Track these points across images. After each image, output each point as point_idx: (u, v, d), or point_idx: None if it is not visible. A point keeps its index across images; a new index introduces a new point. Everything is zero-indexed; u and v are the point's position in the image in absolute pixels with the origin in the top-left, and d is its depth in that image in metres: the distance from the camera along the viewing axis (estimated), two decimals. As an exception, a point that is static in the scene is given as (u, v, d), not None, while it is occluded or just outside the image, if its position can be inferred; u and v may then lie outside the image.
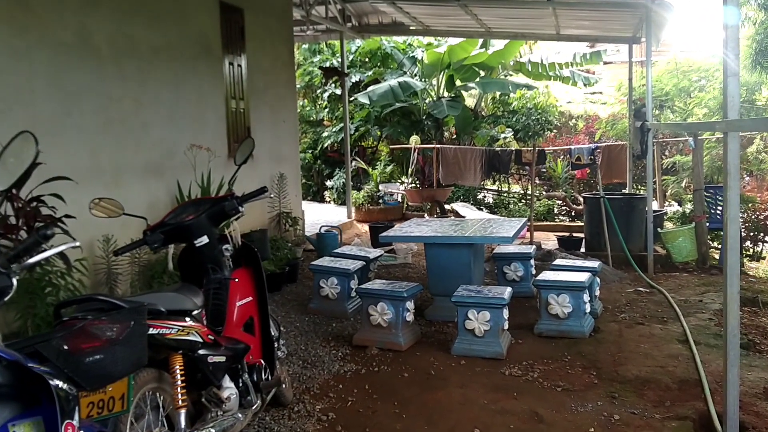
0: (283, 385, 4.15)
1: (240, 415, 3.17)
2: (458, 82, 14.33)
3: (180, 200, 6.08)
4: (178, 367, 2.85)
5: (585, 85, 14.58)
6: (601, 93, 18.98)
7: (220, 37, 7.22)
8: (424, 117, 14.46)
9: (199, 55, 6.85)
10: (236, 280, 3.64)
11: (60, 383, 1.81)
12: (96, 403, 2.48)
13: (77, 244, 1.86)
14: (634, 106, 9.40)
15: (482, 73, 14.31)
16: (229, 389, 3.25)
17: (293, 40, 9.48)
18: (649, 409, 4.05)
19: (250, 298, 3.72)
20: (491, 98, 15.45)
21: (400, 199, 13.19)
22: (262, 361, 3.58)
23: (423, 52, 14.47)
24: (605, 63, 20.42)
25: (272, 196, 3.83)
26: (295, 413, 4.07)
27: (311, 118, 16.19)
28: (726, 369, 3.55)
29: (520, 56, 14.93)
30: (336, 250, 6.79)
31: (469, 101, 15.45)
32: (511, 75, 15.06)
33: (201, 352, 3.01)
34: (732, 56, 3.12)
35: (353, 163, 14.59)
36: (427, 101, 14.44)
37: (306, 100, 16.42)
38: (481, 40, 13.73)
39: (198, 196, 3.66)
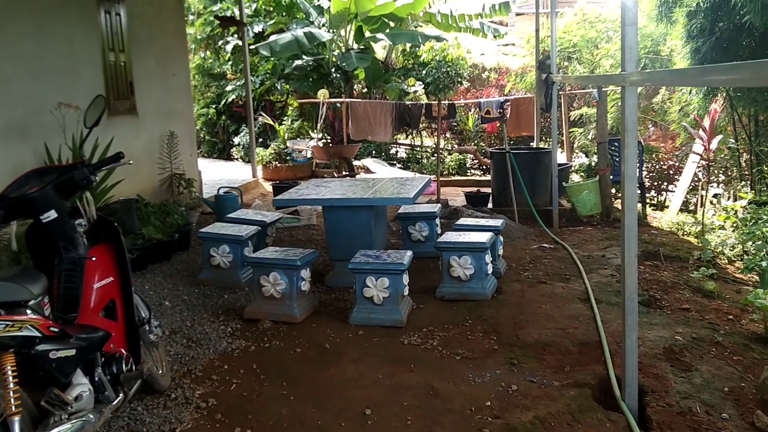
0: (160, 371, 3.78)
1: (92, 416, 2.78)
2: (367, 34, 13.84)
3: (50, 164, 5.49)
4: (9, 368, 2.44)
5: (495, 36, 14.37)
6: (513, 45, 18.87)
7: (92, -19, 6.53)
8: (332, 69, 13.95)
9: (68, 2, 6.15)
10: (93, 258, 3.20)
11: None
12: None
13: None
14: (540, 58, 9.24)
15: (392, 24, 13.87)
16: (80, 386, 2.85)
17: (182, -14, 8.79)
18: (548, 375, 3.90)
19: (111, 279, 3.31)
20: (401, 50, 15.05)
21: (309, 156, 12.75)
22: (123, 351, 3.19)
23: (329, 0, 13.88)
24: (518, 14, 20.38)
25: (130, 162, 3.38)
26: (172, 401, 3.70)
27: (214, 71, 15.38)
28: (624, 335, 3.43)
29: (430, 6, 14.53)
30: (231, 215, 6.36)
31: (380, 54, 15.01)
32: (420, 26, 14.69)
33: (40, 347, 2.59)
34: (630, 3, 2.87)
35: (259, 118, 13.99)
36: (335, 53, 13.91)
37: (208, 52, 15.57)
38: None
39: (69, 161, 3.21)
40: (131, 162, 3.51)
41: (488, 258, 5.17)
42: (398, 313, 4.67)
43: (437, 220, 6.48)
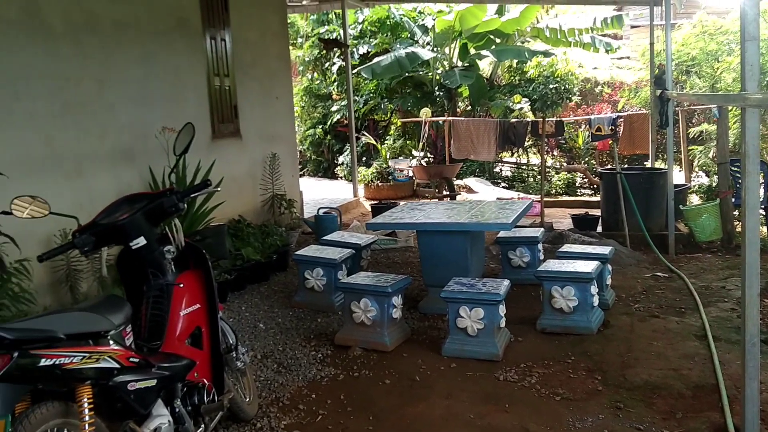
0: (247, 398, 3.72)
1: (169, 450, 2.73)
2: (472, 51, 13.65)
3: (154, 188, 5.65)
4: (85, 400, 2.40)
5: (607, 51, 13.77)
6: (628, 58, 18.07)
7: (199, 8, 6.71)
8: (436, 88, 13.83)
9: (175, 29, 6.36)
10: (181, 285, 3.19)
11: None
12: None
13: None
14: (656, 72, 8.72)
15: (498, 41, 13.60)
16: (160, 418, 2.81)
17: (285, 9, 8.94)
18: (658, 422, 3.54)
19: (198, 306, 3.27)
20: (507, 67, 14.73)
21: (411, 175, 12.66)
22: (205, 381, 3.13)
23: (434, 20, 13.78)
24: (633, 27, 19.50)
25: (218, 189, 3.37)
26: (257, 430, 3.63)
27: (321, 92, 15.64)
28: (744, 382, 3.06)
29: (537, 21, 14.15)
30: (327, 237, 6.32)
31: (485, 70, 14.75)
32: (528, 42, 14.32)
33: (118, 379, 2.56)
34: (751, 14, 2.54)
35: (362, 138, 14.07)
36: (439, 71, 13.80)
37: (316, 74, 15.87)
38: (494, 7, 13.01)
39: (172, 184, 3.26)
40: (219, 189, 3.49)
41: (594, 289, 4.83)
42: (494, 346, 4.42)
43: (540, 245, 6.17)
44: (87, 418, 2.39)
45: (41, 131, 4.82)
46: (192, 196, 3.33)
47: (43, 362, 2.24)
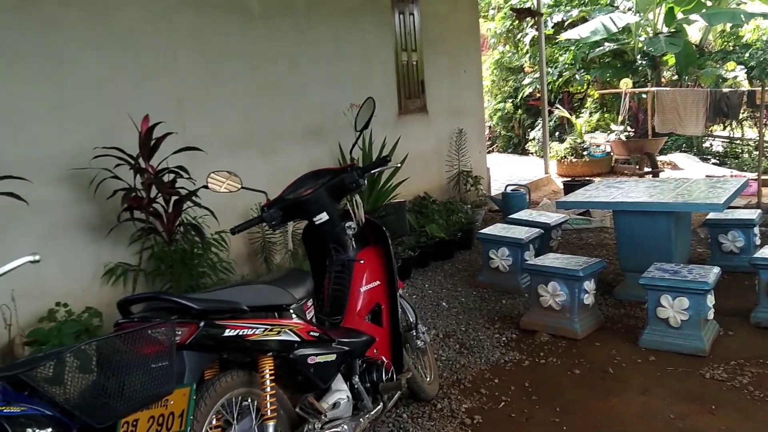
0: (427, 378, 3.65)
1: (346, 427, 2.70)
2: (679, 15, 12.47)
3: (342, 163, 5.76)
4: (267, 371, 2.44)
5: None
6: None
7: (388, -16, 6.71)
8: (638, 56, 12.85)
9: (364, 5, 6.40)
10: (361, 261, 3.17)
11: (31, 430, 1.45)
12: (156, 419, 2.14)
13: (36, 257, 1.47)
14: None
15: (709, 3, 12.31)
16: (339, 393, 2.80)
17: (476, -19, 8.70)
18: None
19: (378, 283, 3.23)
20: (719, 31, 13.30)
21: (608, 151, 11.90)
22: (384, 359, 3.08)
23: (637, -17, 12.80)
24: None
25: (399, 165, 3.30)
26: (437, 412, 3.54)
27: (512, 65, 15.20)
28: None
29: (757, -22, 12.62)
30: (513, 215, 6.07)
31: (693, 36, 13.45)
32: (744, 3, 12.82)
33: (298, 352, 2.58)
34: None
35: (555, 111, 13.48)
36: (641, 38, 12.79)
37: (507, 46, 15.44)
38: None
39: (352, 161, 3.29)
40: (399, 165, 3.41)
41: (825, 280, 4.16)
42: (699, 340, 3.96)
43: (756, 229, 5.45)
44: (268, 388, 2.42)
45: (238, 110, 5.07)
46: (372, 172, 3.29)
47: (228, 333, 2.28)
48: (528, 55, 14.74)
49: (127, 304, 2.28)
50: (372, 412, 2.94)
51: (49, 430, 1.49)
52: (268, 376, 2.44)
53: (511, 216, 6.09)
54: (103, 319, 3.69)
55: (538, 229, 5.51)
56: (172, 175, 4.00)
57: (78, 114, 3.98)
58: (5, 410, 1.45)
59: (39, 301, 3.64)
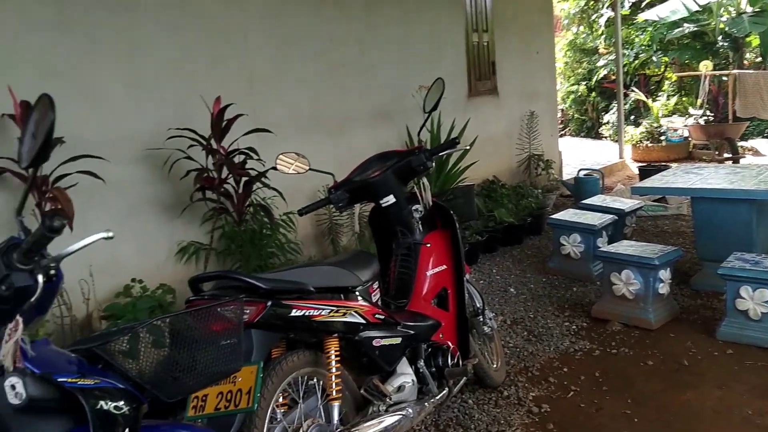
0: (494, 365, 3.60)
1: (411, 410, 2.69)
2: (767, -8, 11.84)
3: (410, 146, 5.71)
4: (333, 352, 2.45)
5: None
6: None
7: (460, -37, 6.59)
8: (719, 37, 12.27)
9: (435, -14, 6.31)
10: (428, 245, 3.14)
11: (104, 402, 1.48)
12: (225, 395, 2.18)
13: (110, 234, 1.49)
14: None
15: (800, -22, 11.63)
16: (404, 376, 2.79)
17: (550, -41, 8.46)
18: None
19: (445, 267, 3.20)
20: (810, 9, 12.55)
21: (686, 135, 11.44)
22: (450, 344, 3.05)
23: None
24: None
25: (467, 148, 3.24)
26: (504, 399, 3.49)
27: (586, 47, 14.77)
28: None
29: None
30: (586, 201, 5.90)
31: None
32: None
33: (364, 334, 2.57)
34: None
35: (631, 94, 13.04)
36: (723, 19, 12.20)
37: (582, 27, 15.00)
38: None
39: (419, 143, 3.25)
40: (467, 148, 3.36)
41: None
42: (782, 334, 3.77)
43: None
44: (334, 369, 2.43)
45: (308, 92, 5.08)
46: (440, 154, 3.25)
47: (294, 313, 2.30)
48: (603, 36, 14.28)
49: (198, 281, 2.32)
50: (437, 397, 2.91)
51: (121, 402, 1.52)
52: (333, 357, 2.44)
53: (583, 201, 5.92)
54: (175, 296, 3.78)
55: (611, 216, 5.34)
56: (242, 156, 4.05)
57: (153, 95, 4.07)
58: (80, 382, 1.48)
59: (116, 277, 3.76)
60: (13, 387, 1.40)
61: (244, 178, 4.05)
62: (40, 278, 1.41)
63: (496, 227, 6.02)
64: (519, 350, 4.06)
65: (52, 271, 1.44)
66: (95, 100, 3.80)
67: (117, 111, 3.90)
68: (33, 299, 1.41)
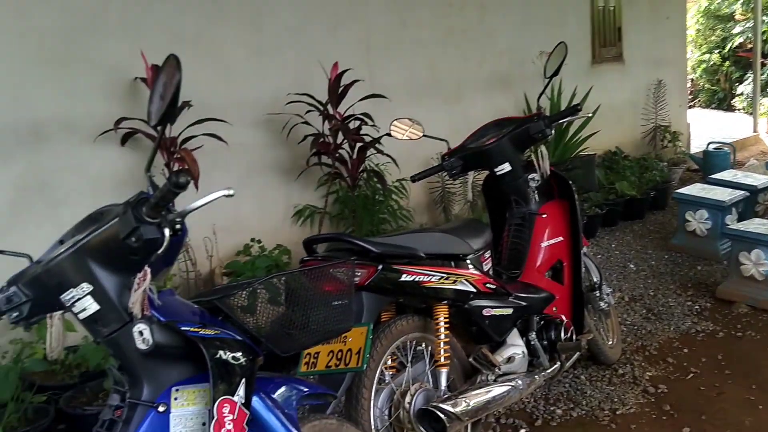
0: (609, 342, 3.48)
1: (521, 382, 2.64)
2: None
3: (527, 113, 5.56)
4: (442, 319, 2.45)
5: None
6: None
7: None
8: None
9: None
10: (544, 215, 3.05)
11: (223, 352, 1.55)
12: (335, 353, 2.23)
13: (231, 192, 1.53)
14: None
15: None
16: (514, 347, 2.75)
17: None
18: None
19: (561, 239, 3.11)
20: None
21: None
22: (564, 317, 2.97)
23: None
24: None
25: (589, 115, 3.10)
26: (618, 377, 3.37)
27: (721, 12, 13.76)
28: None
29: None
30: (715, 175, 5.54)
31: None
32: None
33: (474, 303, 2.55)
34: None
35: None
36: None
37: (719, -9, 13.99)
38: None
39: (538, 110, 3.17)
40: (589, 115, 3.22)
41: None
42: None
43: None
44: (443, 336, 2.43)
45: (425, 57, 5.05)
46: (560, 122, 3.14)
47: (404, 278, 2.30)
48: (740, 2, 13.25)
49: (312, 243, 2.38)
50: (548, 371, 2.85)
51: (239, 353, 1.58)
52: (442, 323, 2.44)
53: (712, 176, 5.57)
54: (291, 257, 3.90)
55: (742, 192, 4.99)
56: (357, 122, 4.09)
57: (274, 61, 4.17)
58: (201, 332, 1.55)
59: (236, 236, 3.92)
60: (140, 333, 1.48)
61: (358, 144, 4.09)
62: (167, 231, 1.47)
63: (617, 200, 5.80)
64: (636, 328, 3.91)
65: (178, 226, 1.50)
66: (220, 65, 3.94)
67: (240, 76, 4.03)
68: (160, 251, 1.47)
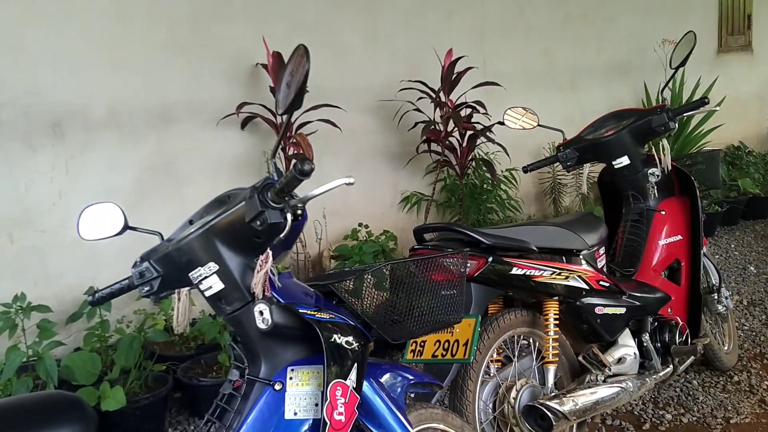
0: (725, 347, 3.31)
1: (631, 384, 2.56)
2: None
3: (646, 105, 5.34)
4: (551, 315, 2.40)
5: None
6: None
7: None
8: None
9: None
10: (662, 212, 2.94)
11: (337, 336, 1.59)
12: (442, 343, 2.24)
13: (351, 180, 1.56)
14: None
15: None
16: (625, 348, 2.67)
17: None
18: None
19: (680, 237, 2.98)
20: None
21: None
22: (679, 320, 2.84)
23: None
24: None
25: (716, 108, 2.93)
26: (733, 384, 3.21)
27: None
28: None
29: None
30: None
31: None
32: None
33: (585, 300, 2.49)
34: None
35: None
36: None
37: None
38: None
39: (662, 101, 3.03)
40: (717, 108, 3.04)
41: None
42: None
43: None
44: (552, 332, 2.38)
45: (541, 44, 4.95)
46: (685, 115, 3.00)
47: (515, 271, 2.28)
48: None
49: (422, 231, 2.39)
50: (660, 374, 2.74)
51: (351, 338, 1.61)
52: (552, 319, 2.39)
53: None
54: (397, 243, 3.93)
55: None
56: (469, 110, 4.06)
57: (389, 48, 4.20)
58: (317, 315, 1.59)
59: (345, 221, 4.00)
60: (261, 313, 1.53)
61: (469, 132, 4.06)
62: (289, 216, 1.52)
63: (738, 198, 5.51)
64: (755, 334, 3.70)
65: (299, 211, 1.55)
66: (336, 51, 4.01)
67: (354, 63, 4.08)
68: (282, 235, 1.52)
